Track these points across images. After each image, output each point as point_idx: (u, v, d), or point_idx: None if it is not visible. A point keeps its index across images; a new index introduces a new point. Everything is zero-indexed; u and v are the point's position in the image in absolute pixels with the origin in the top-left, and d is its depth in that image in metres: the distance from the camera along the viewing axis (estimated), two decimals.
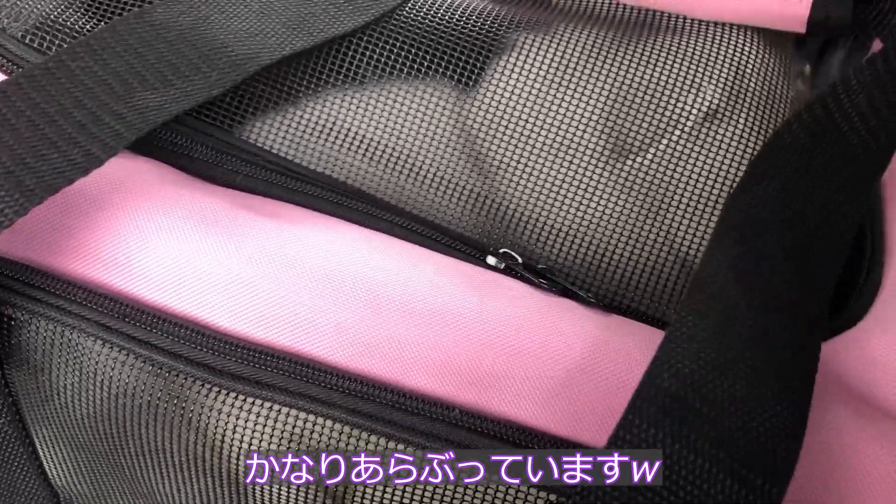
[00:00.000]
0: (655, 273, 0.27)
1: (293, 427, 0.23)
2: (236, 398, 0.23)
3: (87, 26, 0.28)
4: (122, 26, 0.24)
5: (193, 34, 0.25)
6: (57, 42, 0.27)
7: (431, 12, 0.29)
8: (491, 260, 0.26)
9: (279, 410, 0.23)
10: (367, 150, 0.27)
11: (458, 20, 0.29)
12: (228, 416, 0.23)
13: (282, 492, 0.24)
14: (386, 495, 0.23)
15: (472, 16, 0.29)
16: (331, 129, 0.28)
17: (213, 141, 0.27)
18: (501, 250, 0.26)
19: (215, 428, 0.23)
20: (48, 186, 0.22)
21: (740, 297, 0.21)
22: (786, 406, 0.20)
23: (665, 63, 0.28)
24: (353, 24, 0.27)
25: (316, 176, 0.27)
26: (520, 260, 0.26)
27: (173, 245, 0.24)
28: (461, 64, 0.28)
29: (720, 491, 0.19)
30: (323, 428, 0.23)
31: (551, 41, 0.28)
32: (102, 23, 0.28)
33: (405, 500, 0.23)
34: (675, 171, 0.27)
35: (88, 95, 0.23)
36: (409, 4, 0.29)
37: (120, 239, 0.24)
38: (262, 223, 0.24)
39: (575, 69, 0.28)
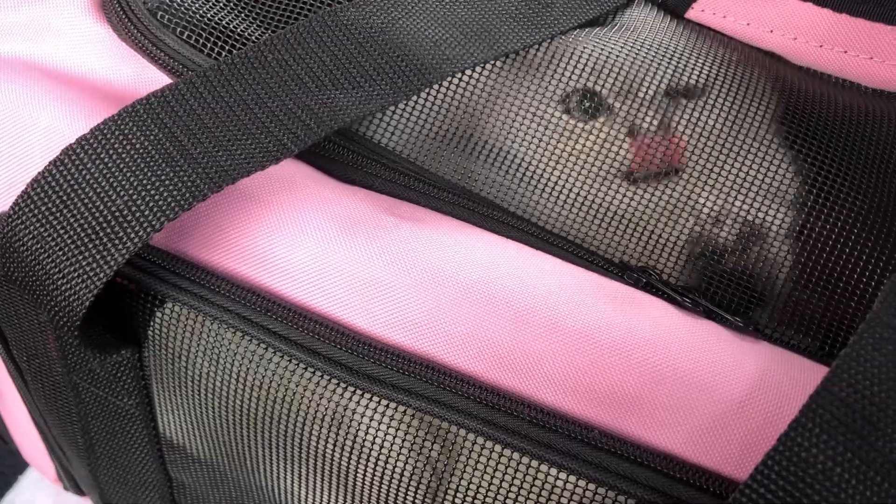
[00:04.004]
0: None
1: (426, 433, 0.23)
2: (371, 399, 0.23)
3: (211, 14, 0.28)
4: (316, 23, 0.25)
5: (382, 37, 0.25)
6: (187, 27, 0.28)
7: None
8: (629, 275, 0.25)
9: (413, 415, 0.23)
10: (503, 162, 0.27)
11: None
12: (362, 417, 0.23)
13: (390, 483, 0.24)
14: (483, 485, 0.23)
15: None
16: (467, 139, 0.27)
17: (353, 144, 0.27)
18: (639, 265, 0.25)
19: (348, 428, 0.23)
20: (242, 169, 0.23)
21: None
22: None
23: None
24: (528, 40, 0.27)
25: (450, 186, 0.27)
26: (660, 276, 0.25)
27: (317, 244, 0.24)
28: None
29: None
30: (456, 437, 0.23)
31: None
32: (227, 10, 0.28)
33: (503, 490, 0.23)
34: None
35: (283, 87, 0.24)
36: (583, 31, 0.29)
37: (265, 234, 0.24)
38: (404, 228, 0.24)
39: None
